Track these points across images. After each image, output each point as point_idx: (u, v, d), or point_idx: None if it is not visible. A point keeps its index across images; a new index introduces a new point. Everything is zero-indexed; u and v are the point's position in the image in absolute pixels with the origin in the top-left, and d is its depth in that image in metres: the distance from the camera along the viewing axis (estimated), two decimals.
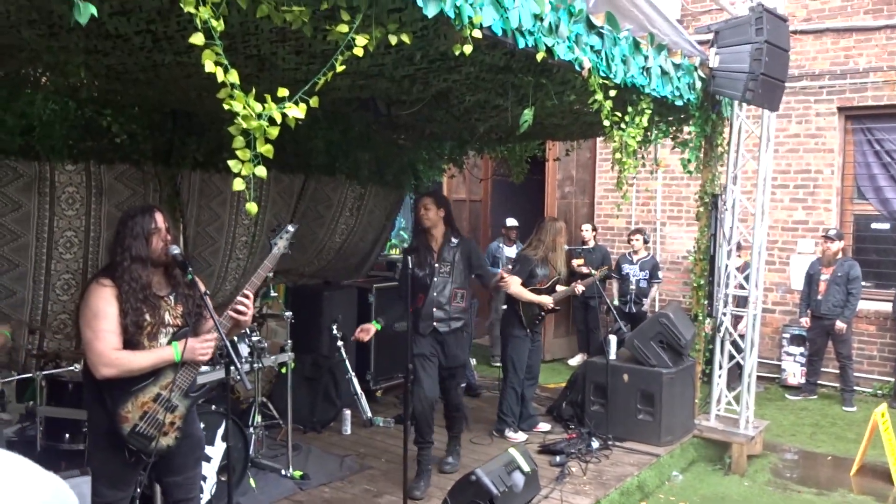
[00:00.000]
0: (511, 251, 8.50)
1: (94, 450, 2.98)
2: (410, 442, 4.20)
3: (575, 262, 8.13)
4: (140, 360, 2.82)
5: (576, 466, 5.07)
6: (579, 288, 5.93)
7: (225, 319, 2.95)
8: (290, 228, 3.14)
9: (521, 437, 5.68)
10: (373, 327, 4.57)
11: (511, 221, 8.86)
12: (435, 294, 4.71)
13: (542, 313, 5.69)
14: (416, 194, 7.84)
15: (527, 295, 5.59)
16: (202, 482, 3.97)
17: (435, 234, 4.79)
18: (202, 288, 3.02)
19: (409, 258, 4.40)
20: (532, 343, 5.79)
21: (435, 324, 4.69)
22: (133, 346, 2.84)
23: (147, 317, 2.86)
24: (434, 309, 4.69)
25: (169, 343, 2.91)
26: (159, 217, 2.96)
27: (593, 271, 7.35)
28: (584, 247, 8.66)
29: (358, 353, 6.63)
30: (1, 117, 4.43)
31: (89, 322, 2.81)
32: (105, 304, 2.81)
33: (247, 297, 2.97)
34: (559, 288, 5.83)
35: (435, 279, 4.70)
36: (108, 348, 2.77)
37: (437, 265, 4.72)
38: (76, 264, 5.06)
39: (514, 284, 5.57)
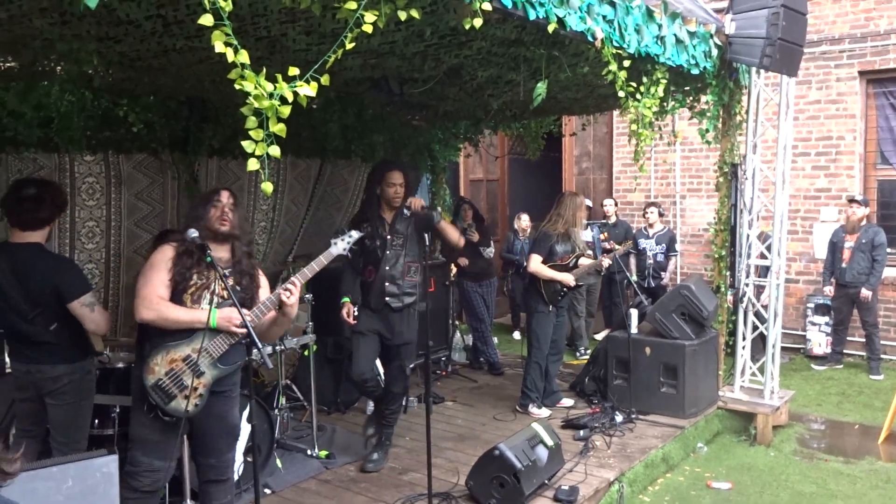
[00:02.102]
0: (587, 234, 7.97)
1: (132, 411, 3.12)
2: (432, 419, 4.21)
3: None
4: (178, 312, 2.98)
5: (600, 440, 5.08)
6: (605, 262, 5.88)
7: (270, 302, 3.09)
8: (354, 234, 3.23)
9: (544, 412, 5.68)
10: (348, 306, 4.46)
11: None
12: (388, 268, 4.46)
13: (564, 290, 5.65)
14: (432, 174, 7.83)
15: (546, 272, 5.54)
16: None
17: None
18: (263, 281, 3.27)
19: (426, 235, 4.24)
20: (556, 318, 5.76)
21: (387, 299, 4.47)
22: (176, 303, 3.00)
23: (194, 277, 3.01)
24: (386, 283, 4.47)
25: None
26: (225, 193, 3.20)
27: (616, 246, 7.34)
28: (606, 222, 8.61)
29: None
30: (19, 110, 4.47)
31: (144, 272, 3.05)
32: (161, 258, 3.03)
33: (294, 284, 3.10)
34: (582, 263, 5.77)
35: (387, 251, 4.47)
36: (152, 293, 2.96)
37: (388, 237, 4.48)
38: (98, 254, 5.12)
39: (533, 263, 5.55)
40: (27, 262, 3.42)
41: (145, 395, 2.97)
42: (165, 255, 3.02)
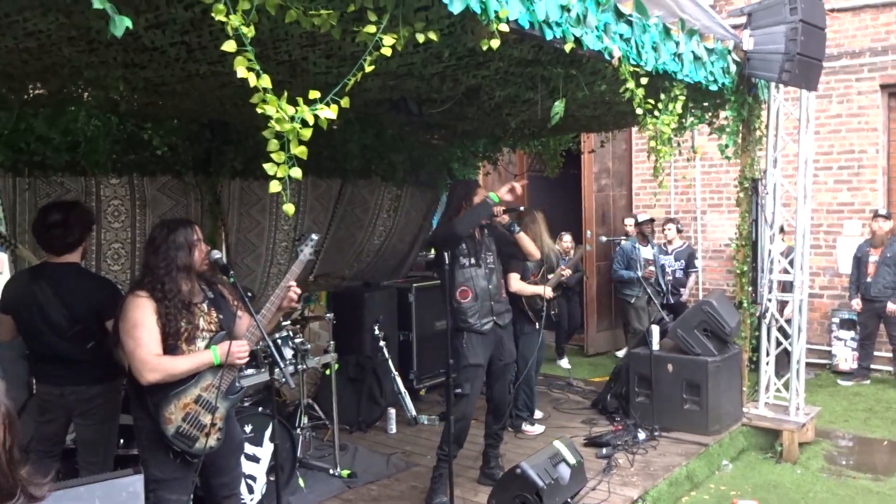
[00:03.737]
0: (648, 251, 7.90)
1: (148, 457, 3.04)
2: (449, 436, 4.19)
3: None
4: (182, 363, 2.93)
5: (623, 458, 5.04)
6: (566, 272, 5.99)
7: (274, 300, 3.07)
8: (314, 237, 3.22)
9: (538, 429, 5.68)
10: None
11: (643, 216, 8.22)
12: (490, 286, 4.38)
13: (544, 303, 5.68)
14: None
15: (528, 289, 5.57)
16: (252, 482, 4.07)
17: None
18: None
19: (447, 253, 4.10)
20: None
21: (495, 318, 4.40)
22: (172, 352, 2.94)
23: (183, 323, 2.97)
24: (492, 302, 4.38)
25: (207, 347, 3.01)
26: (198, 229, 3.12)
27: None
28: (626, 238, 8.55)
29: (401, 353, 6.69)
30: (47, 135, 4.58)
31: (129, 332, 2.91)
32: (143, 315, 2.91)
33: (293, 286, 3.10)
34: (549, 277, 5.85)
35: (485, 269, 4.39)
36: (150, 355, 2.88)
37: (483, 255, 4.40)
38: (124, 275, 5.20)
39: (514, 282, 5.54)
40: (69, 281, 3.51)
41: (167, 444, 2.95)
42: (146, 310, 2.92)
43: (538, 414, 5.97)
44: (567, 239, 8.15)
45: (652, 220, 8.20)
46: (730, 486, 5.07)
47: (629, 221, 8.72)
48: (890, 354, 7.43)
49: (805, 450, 5.67)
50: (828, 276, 8.29)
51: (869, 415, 6.56)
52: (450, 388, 4.09)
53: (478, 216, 4.28)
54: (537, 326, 5.68)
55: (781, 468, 5.40)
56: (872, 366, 7.66)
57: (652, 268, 7.70)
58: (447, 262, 4.05)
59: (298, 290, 3.10)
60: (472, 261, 4.35)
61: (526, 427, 5.72)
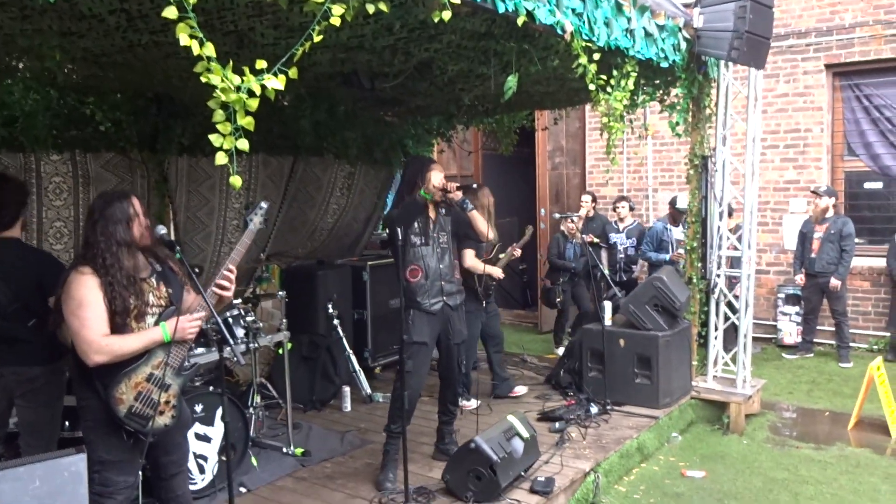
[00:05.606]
0: (679, 233, 7.54)
1: (94, 438, 2.93)
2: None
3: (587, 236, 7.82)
4: (130, 343, 2.83)
5: (575, 432, 5.10)
6: (517, 251, 6.01)
7: (209, 296, 2.96)
8: (263, 205, 3.11)
9: (472, 403, 5.69)
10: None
11: (682, 202, 7.50)
12: (441, 266, 4.36)
13: (493, 282, 5.75)
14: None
15: (481, 267, 5.51)
16: (204, 462, 4.01)
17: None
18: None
19: (399, 229, 4.09)
20: (486, 313, 5.87)
21: (445, 298, 4.38)
22: (121, 330, 2.84)
23: (131, 300, 2.87)
24: (442, 282, 4.37)
25: (156, 323, 2.92)
26: (136, 202, 2.98)
27: (595, 239, 7.44)
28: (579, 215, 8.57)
29: (355, 331, 6.66)
30: None
31: (74, 312, 2.80)
32: (88, 292, 2.80)
33: (230, 271, 2.99)
34: (500, 256, 5.92)
35: (438, 249, 4.37)
36: (96, 335, 2.77)
37: (434, 234, 4.38)
38: (67, 255, 5.04)
39: (468, 258, 5.51)
40: (9, 256, 3.42)
41: (119, 425, 2.85)
42: (91, 287, 2.80)
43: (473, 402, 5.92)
44: (574, 218, 7.55)
45: (681, 211, 7.52)
46: (679, 457, 5.18)
47: (586, 198, 8.62)
48: (832, 329, 7.66)
49: (751, 421, 5.83)
50: (774, 252, 8.50)
51: (812, 387, 6.77)
52: (403, 365, 4.09)
53: (410, 215, 4.27)
54: (484, 305, 5.73)
55: (728, 439, 5.54)
56: (816, 340, 7.90)
57: (681, 250, 7.54)
58: (399, 239, 4.02)
59: (231, 276, 2.99)
60: (423, 240, 4.33)
61: (462, 402, 5.72)
